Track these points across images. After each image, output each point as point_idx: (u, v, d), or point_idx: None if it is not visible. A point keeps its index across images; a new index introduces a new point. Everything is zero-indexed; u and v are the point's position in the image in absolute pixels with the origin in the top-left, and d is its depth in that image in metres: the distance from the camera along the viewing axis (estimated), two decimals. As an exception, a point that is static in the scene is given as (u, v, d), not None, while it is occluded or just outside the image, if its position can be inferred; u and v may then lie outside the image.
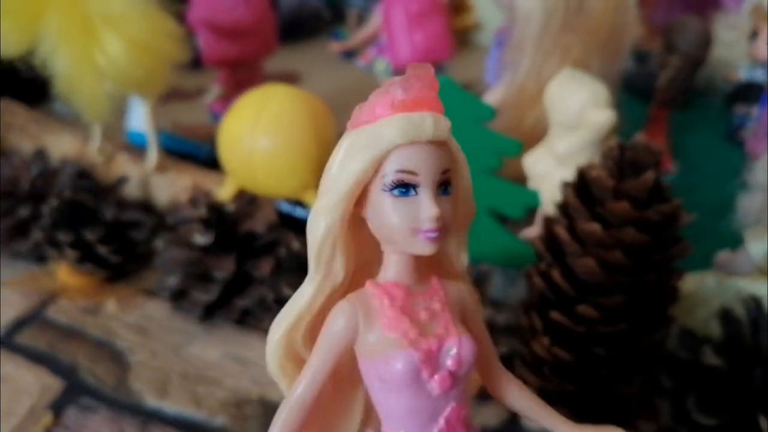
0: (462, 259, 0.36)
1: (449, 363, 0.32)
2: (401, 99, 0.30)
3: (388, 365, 0.31)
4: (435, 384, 0.31)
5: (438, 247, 0.31)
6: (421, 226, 0.30)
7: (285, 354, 0.35)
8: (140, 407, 0.56)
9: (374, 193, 0.31)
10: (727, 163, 0.89)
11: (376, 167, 0.31)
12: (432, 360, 0.31)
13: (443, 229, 0.31)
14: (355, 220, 0.32)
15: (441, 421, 0.32)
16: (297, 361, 0.35)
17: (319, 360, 0.33)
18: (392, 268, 0.33)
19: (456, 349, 0.32)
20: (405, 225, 0.30)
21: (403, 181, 0.30)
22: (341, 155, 0.31)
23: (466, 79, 0.62)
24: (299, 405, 0.33)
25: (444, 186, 0.31)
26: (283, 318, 0.34)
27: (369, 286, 0.33)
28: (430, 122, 0.30)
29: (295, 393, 0.33)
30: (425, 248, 0.31)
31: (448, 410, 0.32)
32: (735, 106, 0.99)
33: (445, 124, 0.31)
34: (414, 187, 0.30)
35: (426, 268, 0.33)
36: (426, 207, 0.30)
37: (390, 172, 0.30)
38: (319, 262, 0.32)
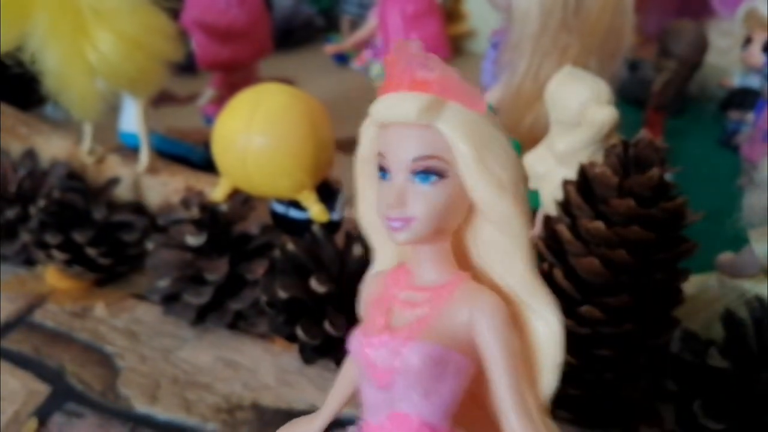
0: (508, 266, 0.30)
1: (386, 361, 0.29)
2: (385, 80, 0.29)
3: (349, 341, 0.32)
4: (371, 375, 0.30)
5: (410, 238, 0.29)
6: (385, 214, 0.29)
7: None
8: (129, 413, 0.54)
9: None
10: (722, 168, 0.90)
11: (374, 149, 0.30)
12: (373, 351, 0.30)
13: (411, 220, 0.28)
14: None
15: (384, 419, 0.30)
16: None
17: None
18: (410, 253, 0.32)
19: (398, 349, 0.29)
20: (378, 211, 0.30)
21: (380, 164, 0.29)
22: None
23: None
24: (344, 367, 0.35)
25: (423, 174, 0.28)
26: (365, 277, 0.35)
27: (396, 265, 0.33)
28: (392, 103, 0.28)
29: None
30: (394, 237, 0.29)
31: (390, 411, 0.30)
32: (729, 112, 1.00)
33: (416, 104, 0.27)
34: (388, 171, 0.29)
35: (456, 261, 0.31)
36: (388, 192, 0.29)
37: (375, 155, 0.30)
38: (370, 242, 0.33)
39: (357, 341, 0.31)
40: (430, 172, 0.28)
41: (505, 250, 0.30)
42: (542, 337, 0.31)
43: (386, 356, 0.29)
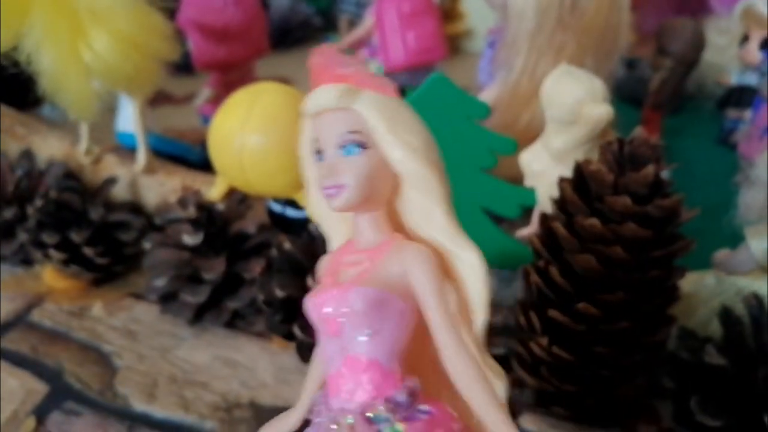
0: (430, 221, 0.35)
1: (332, 308, 0.34)
2: (312, 81, 0.35)
3: (304, 307, 0.35)
4: (322, 325, 0.35)
5: (344, 204, 0.34)
6: (322, 184, 0.34)
7: None
8: (127, 412, 0.54)
9: None
10: (719, 166, 0.90)
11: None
12: (321, 303, 0.34)
13: (343, 187, 0.33)
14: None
15: (340, 365, 0.34)
16: None
17: None
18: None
19: (343, 297, 0.33)
20: (318, 185, 0.35)
21: (315, 148, 0.35)
22: None
23: (458, 84, 0.61)
24: (315, 355, 0.38)
25: (349, 147, 0.34)
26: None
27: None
28: (317, 96, 0.34)
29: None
30: (331, 204, 0.34)
31: (344, 356, 0.34)
32: (727, 110, 1.00)
33: (335, 92, 0.33)
34: (322, 152, 0.34)
35: (392, 227, 0.36)
36: (322, 168, 0.34)
37: (310, 143, 0.36)
38: (324, 231, 0.39)
39: (310, 302, 0.35)
40: (353, 143, 0.34)
41: (425, 206, 0.35)
42: (470, 279, 0.35)
43: (334, 305, 0.34)
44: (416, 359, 0.35)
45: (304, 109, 0.35)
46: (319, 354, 0.37)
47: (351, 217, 0.36)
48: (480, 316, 0.35)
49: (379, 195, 0.35)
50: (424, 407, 0.34)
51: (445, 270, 0.35)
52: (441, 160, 0.35)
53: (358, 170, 0.34)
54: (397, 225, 0.36)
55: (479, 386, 0.33)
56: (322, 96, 0.34)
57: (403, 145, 0.34)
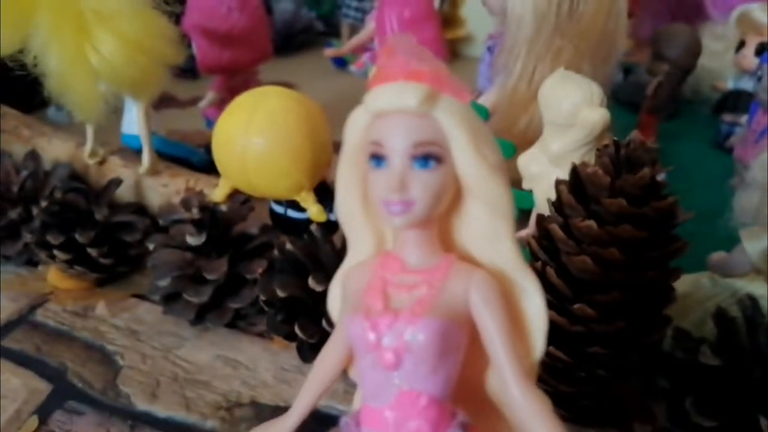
0: (496, 244, 0.32)
1: (394, 341, 0.30)
2: (376, 72, 0.31)
3: (348, 327, 0.32)
4: (378, 358, 0.31)
5: (409, 222, 0.30)
6: (387, 198, 0.30)
7: (335, 305, 0.37)
8: (129, 411, 0.55)
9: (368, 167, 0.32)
10: (715, 170, 0.90)
11: (362, 140, 0.31)
12: (377, 333, 0.31)
13: (412, 204, 0.30)
14: None
15: (392, 399, 0.31)
16: None
17: (340, 313, 0.35)
18: (397, 239, 0.33)
19: (405, 328, 0.30)
20: (377, 197, 0.31)
21: (373, 152, 0.31)
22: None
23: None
24: (318, 361, 0.36)
25: (423, 160, 0.30)
26: (336, 274, 0.37)
27: (382, 253, 0.34)
28: (391, 93, 0.30)
29: (325, 348, 0.36)
30: (394, 221, 0.30)
31: (398, 391, 0.31)
32: (722, 115, 1.01)
33: (416, 93, 0.29)
34: (384, 158, 0.30)
35: (442, 245, 0.33)
36: (387, 178, 0.30)
37: (366, 144, 0.31)
38: (345, 229, 0.35)
39: (359, 326, 0.31)
40: (430, 157, 0.30)
41: (493, 230, 0.32)
42: (529, 308, 0.33)
43: (394, 336, 0.30)
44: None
45: (367, 104, 0.31)
46: (326, 369, 0.35)
47: (392, 229, 0.33)
48: (539, 344, 0.33)
49: (439, 212, 0.32)
50: None
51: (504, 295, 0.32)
52: (509, 182, 0.32)
53: (431, 187, 0.30)
54: (444, 242, 0.33)
55: (549, 422, 0.30)
56: (400, 95, 0.29)
57: (484, 164, 0.30)
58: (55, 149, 0.79)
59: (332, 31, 1.48)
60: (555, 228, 0.49)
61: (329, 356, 0.36)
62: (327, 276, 0.56)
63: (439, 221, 0.33)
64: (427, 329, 0.30)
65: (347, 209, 0.34)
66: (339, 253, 0.58)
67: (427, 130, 0.30)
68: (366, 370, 0.32)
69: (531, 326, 0.33)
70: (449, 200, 0.32)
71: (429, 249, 0.32)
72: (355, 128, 0.32)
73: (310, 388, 0.36)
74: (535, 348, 0.33)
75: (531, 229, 0.63)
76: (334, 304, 0.38)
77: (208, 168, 0.72)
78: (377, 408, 0.31)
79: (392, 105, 0.30)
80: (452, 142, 0.30)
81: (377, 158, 0.30)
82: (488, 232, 0.32)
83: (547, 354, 0.49)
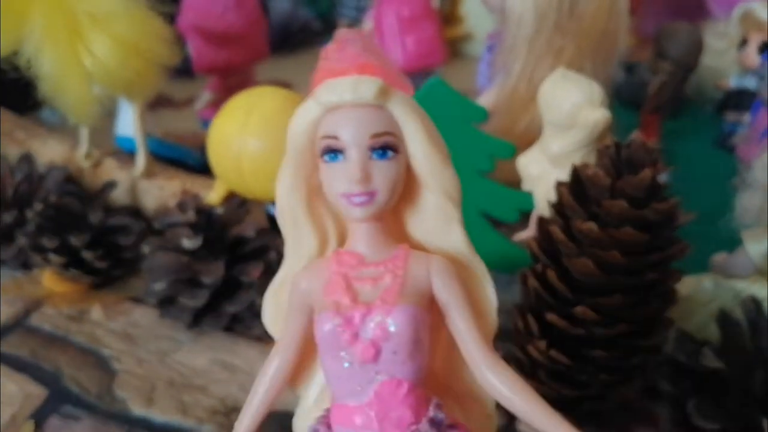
0: (449, 229, 0.33)
1: (372, 332, 0.31)
2: (325, 66, 0.31)
3: (317, 327, 0.32)
4: (357, 352, 0.31)
5: (372, 212, 0.31)
6: (349, 191, 0.30)
7: (275, 318, 0.36)
8: (125, 416, 0.54)
9: (320, 163, 0.32)
10: (719, 169, 0.90)
11: (312, 136, 0.31)
12: (353, 327, 0.31)
13: (375, 194, 0.30)
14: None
15: (370, 393, 0.31)
16: None
17: (287, 321, 0.34)
18: (350, 236, 0.33)
19: (381, 318, 0.31)
20: (337, 191, 0.31)
21: (329, 146, 0.31)
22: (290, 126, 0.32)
23: (458, 88, 0.61)
24: (272, 370, 0.35)
25: (381, 150, 0.30)
26: (271, 284, 0.36)
27: (332, 253, 0.34)
28: (347, 86, 0.30)
29: (270, 361, 0.35)
30: (356, 213, 0.31)
31: (377, 382, 0.31)
32: (726, 114, 1.00)
33: (372, 86, 0.30)
34: (341, 152, 0.30)
35: (394, 237, 0.33)
36: (348, 171, 0.30)
37: (318, 139, 0.31)
38: (285, 232, 0.34)
39: (330, 323, 0.31)
40: (387, 147, 0.31)
41: (446, 216, 0.33)
42: (481, 288, 0.34)
43: (370, 327, 0.31)
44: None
45: (318, 98, 0.31)
46: (274, 379, 0.35)
47: (340, 227, 0.34)
48: (493, 319, 0.35)
49: (394, 203, 0.32)
50: (451, 423, 0.33)
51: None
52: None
53: (390, 176, 0.31)
54: (397, 235, 0.34)
55: (518, 382, 0.32)
56: (357, 88, 0.30)
57: (437, 153, 0.31)
58: (49, 152, 0.78)
59: (329, 30, 1.47)
60: (555, 230, 0.49)
61: (275, 365, 0.35)
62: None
63: (391, 213, 0.33)
64: (402, 316, 0.31)
65: (291, 211, 0.33)
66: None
67: (384, 122, 0.30)
68: (338, 369, 0.32)
69: (484, 302, 0.34)
70: (401, 191, 0.32)
71: (383, 241, 0.33)
72: (304, 124, 0.32)
73: (261, 400, 0.35)
74: (490, 323, 0.35)
75: (531, 230, 0.62)
76: (271, 313, 0.37)
77: (204, 169, 0.72)
78: (356, 405, 0.31)
79: (349, 98, 0.30)
80: (406, 134, 0.31)
81: (332, 152, 0.31)
82: (440, 220, 0.33)
83: (548, 357, 0.49)
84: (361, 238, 0.33)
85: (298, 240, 0.34)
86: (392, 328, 0.30)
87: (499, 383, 0.32)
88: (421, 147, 0.31)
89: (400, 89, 0.31)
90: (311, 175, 0.32)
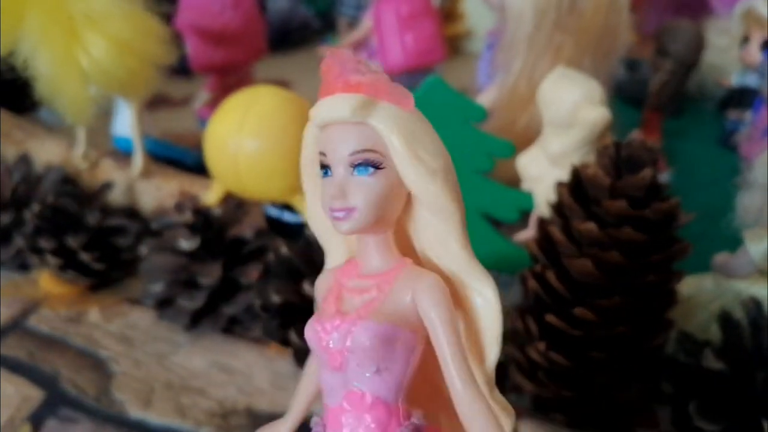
0: (445, 248, 0.33)
1: (337, 342, 0.31)
2: (321, 86, 0.32)
3: (305, 330, 0.33)
4: (327, 359, 0.32)
5: (353, 227, 0.31)
6: (330, 205, 0.31)
7: None
8: (123, 418, 0.54)
9: None
10: (721, 167, 0.89)
11: (316, 155, 0.33)
12: (327, 335, 0.32)
13: (353, 210, 0.31)
14: None
15: (342, 400, 0.32)
16: None
17: None
18: (356, 247, 0.34)
19: (346, 330, 0.31)
20: (323, 205, 0.32)
21: (321, 163, 0.32)
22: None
23: (458, 86, 0.61)
24: (308, 364, 0.36)
25: (361, 166, 0.31)
26: None
27: (345, 261, 0.35)
28: (326, 106, 0.31)
29: (311, 360, 0.36)
30: (338, 227, 0.31)
31: (346, 391, 0.32)
32: (728, 112, 0.99)
33: (348, 104, 0.30)
34: (329, 167, 0.31)
35: (401, 250, 0.33)
36: (330, 186, 0.31)
37: (315, 156, 0.32)
38: (322, 245, 0.35)
39: (311, 328, 0.33)
40: (367, 163, 0.31)
41: (439, 232, 0.32)
42: (482, 312, 0.33)
43: (338, 338, 0.31)
44: (415, 380, 0.34)
45: (311, 118, 0.32)
46: (313, 374, 0.36)
47: (354, 236, 0.34)
48: (493, 350, 0.33)
49: (390, 216, 0.32)
50: None
51: (455, 299, 0.33)
52: (458, 183, 0.32)
53: (370, 193, 0.31)
54: (404, 246, 0.34)
55: (484, 422, 0.30)
56: (334, 107, 0.31)
57: (421, 167, 0.31)
58: (47, 152, 0.78)
59: (328, 28, 1.47)
60: (555, 230, 0.49)
61: (314, 366, 0.36)
62: (322, 280, 0.55)
63: (397, 226, 0.33)
64: (366, 332, 0.31)
65: (317, 219, 0.35)
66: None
67: (364, 138, 0.31)
68: (321, 371, 0.33)
69: (484, 329, 0.33)
70: (399, 204, 0.32)
71: (384, 254, 0.33)
72: (308, 142, 0.33)
73: (300, 395, 0.37)
74: (490, 353, 0.34)
75: (532, 230, 0.62)
76: None
77: (202, 169, 0.71)
78: (332, 407, 0.33)
79: (328, 117, 0.31)
80: (390, 149, 0.31)
81: (324, 168, 0.32)
82: (435, 233, 0.33)
83: (548, 358, 0.49)
84: (361, 250, 0.33)
85: (329, 246, 0.36)
86: (349, 343, 0.31)
87: (467, 423, 0.31)
88: (404, 162, 0.31)
89: (392, 102, 0.31)
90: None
